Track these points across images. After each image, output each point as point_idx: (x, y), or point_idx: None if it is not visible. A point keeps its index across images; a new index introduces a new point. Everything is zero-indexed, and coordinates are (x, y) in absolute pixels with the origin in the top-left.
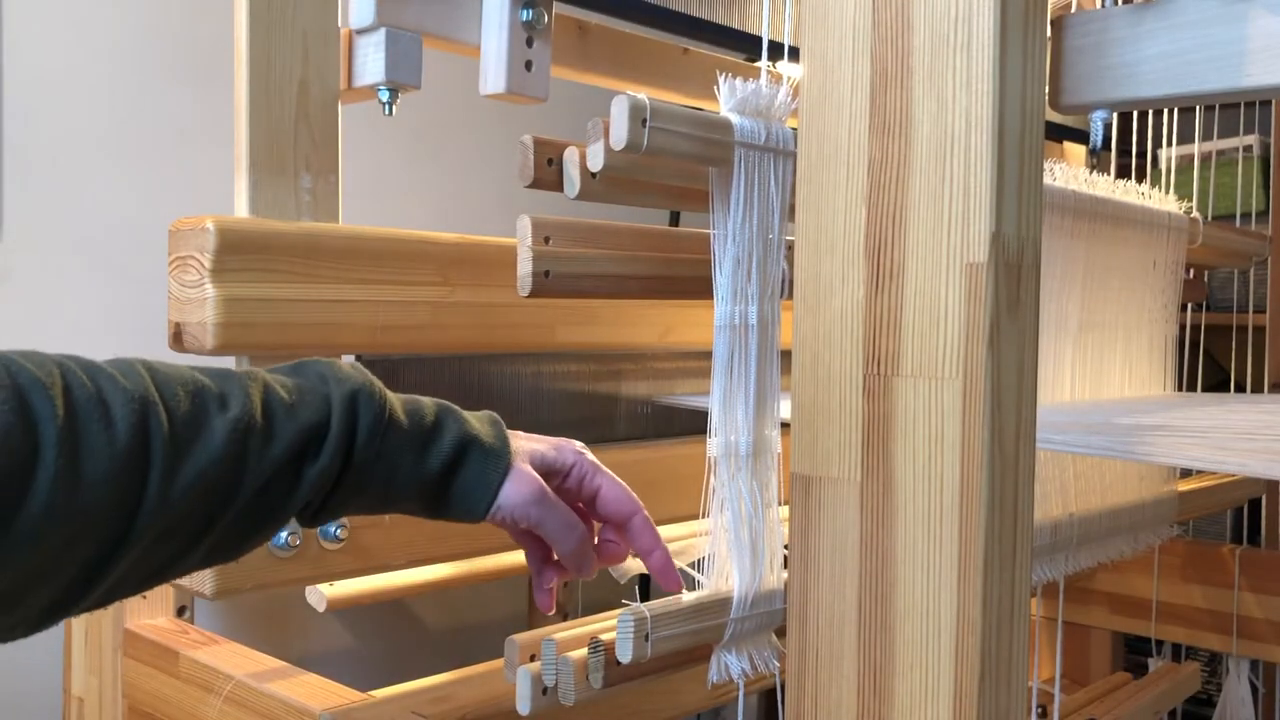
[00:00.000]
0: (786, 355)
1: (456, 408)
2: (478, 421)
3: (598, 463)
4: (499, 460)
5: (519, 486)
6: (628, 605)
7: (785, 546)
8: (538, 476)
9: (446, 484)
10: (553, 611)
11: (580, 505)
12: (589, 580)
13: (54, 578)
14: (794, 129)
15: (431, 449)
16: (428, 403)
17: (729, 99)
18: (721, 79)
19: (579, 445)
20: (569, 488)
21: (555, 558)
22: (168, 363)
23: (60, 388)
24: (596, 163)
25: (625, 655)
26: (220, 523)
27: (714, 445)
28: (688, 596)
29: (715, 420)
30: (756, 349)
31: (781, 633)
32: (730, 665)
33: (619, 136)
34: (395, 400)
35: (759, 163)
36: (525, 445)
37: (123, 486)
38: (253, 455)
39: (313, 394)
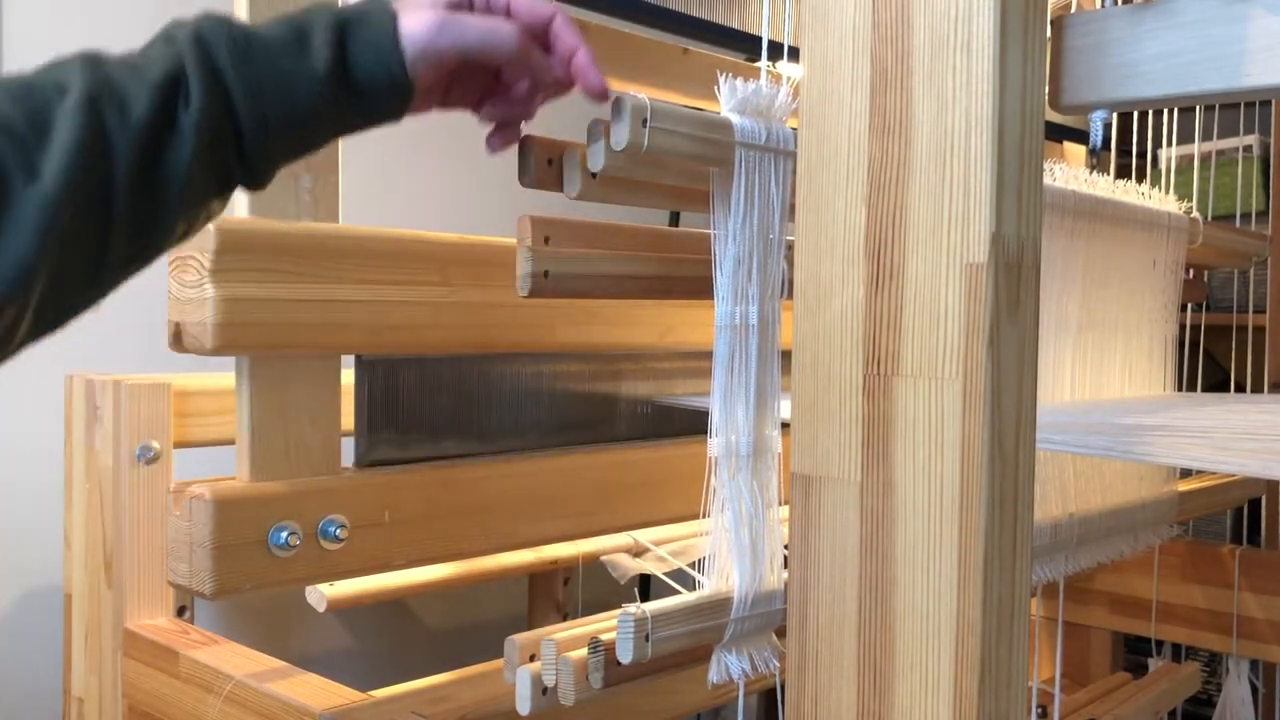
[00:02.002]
0: (786, 355)
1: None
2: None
3: None
4: (382, 15)
5: (417, 23)
6: (627, 606)
7: (785, 546)
8: (427, 3)
9: (345, 71)
10: (500, 149)
11: None
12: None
13: None
14: (794, 129)
15: (309, 46)
16: (290, 13)
17: (729, 99)
18: (722, 79)
19: None
20: (477, 9)
21: (497, 87)
22: None
23: None
24: (597, 163)
25: (626, 656)
26: (117, 204)
27: (714, 445)
28: (688, 597)
29: (715, 420)
30: (757, 349)
31: (781, 633)
32: (730, 665)
33: (619, 137)
34: (250, 25)
35: (759, 163)
36: None
37: None
38: (113, 128)
39: (156, 50)
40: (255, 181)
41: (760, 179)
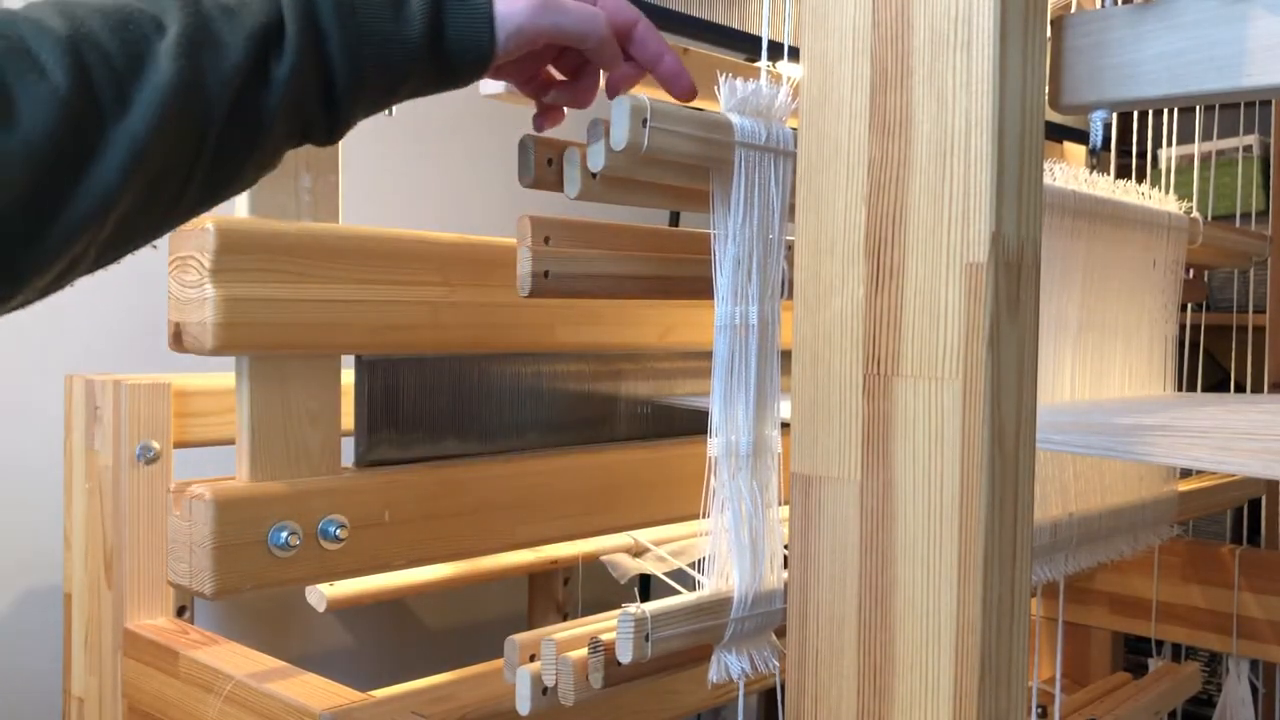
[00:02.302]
0: (786, 355)
1: None
2: None
3: None
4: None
5: (514, 2)
6: (627, 606)
7: (785, 546)
8: None
9: (440, 36)
10: (546, 129)
11: None
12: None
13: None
14: (794, 129)
15: (406, 10)
16: None
17: (729, 99)
18: (721, 79)
19: None
20: None
21: (556, 80)
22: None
23: None
24: (597, 162)
25: (625, 656)
26: (205, 151)
27: (714, 445)
28: (688, 597)
29: (715, 420)
30: (757, 349)
31: (781, 633)
32: (730, 665)
33: (619, 137)
34: None
35: (759, 163)
36: None
37: (75, 134)
38: (209, 74)
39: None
40: (330, 138)
41: (760, 179)
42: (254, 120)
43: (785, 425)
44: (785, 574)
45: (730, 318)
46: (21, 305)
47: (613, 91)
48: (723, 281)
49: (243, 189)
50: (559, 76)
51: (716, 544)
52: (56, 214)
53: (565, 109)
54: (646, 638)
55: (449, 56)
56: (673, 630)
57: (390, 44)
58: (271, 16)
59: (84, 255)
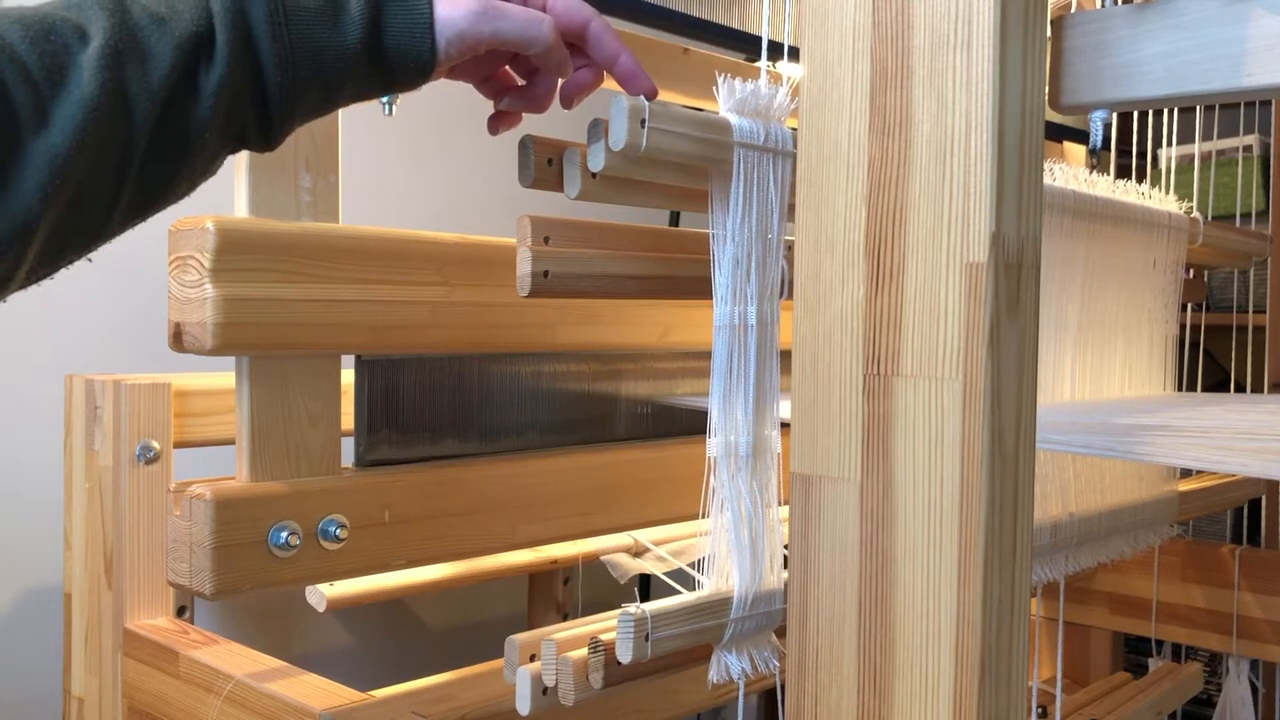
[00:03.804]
0: (786, 355)
1: None
2: None
3: None
4: (421, 4)
5: (457, 6)
6: (627, 606)
7: (785, 546)
8: None
9: (378, 44)
10: (500, 132)
11: None
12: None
13: None
14: (793, 129)
15: (344, 16)
16: None
17: (727, 99)
18: (720, 79)
19: None
20: None
21: (515, 83)
22: (10, 6)
23: None
24: (597, 163)
25: (625, 656)
26: (131, 165)
27: (714, 445)
28: (688, 596)
29: (715, 420)
30: (756, 349)
31: (781, 633)
32: (730, 665)
33: (618, 137)
34: None
35: (758, 163)
36: None
37: None
38: (134, 86)
39: (185, 4)
40: (267, 145)
41: (759, 179)
42: (183, 132)
43: (785, 425)
44: (785, 574)
45: (729, 318)
46: None
47: (566, 100)
48: (721, 281)
49: (178, 198)
50: (517, 80)
51: (716, 544)
52: None
53: (523, 114)
54: (646, 638)
55: (388, 63)
56: (673, 630)
57: (325, 53)
58: (201, 25)
59: (12, 273)
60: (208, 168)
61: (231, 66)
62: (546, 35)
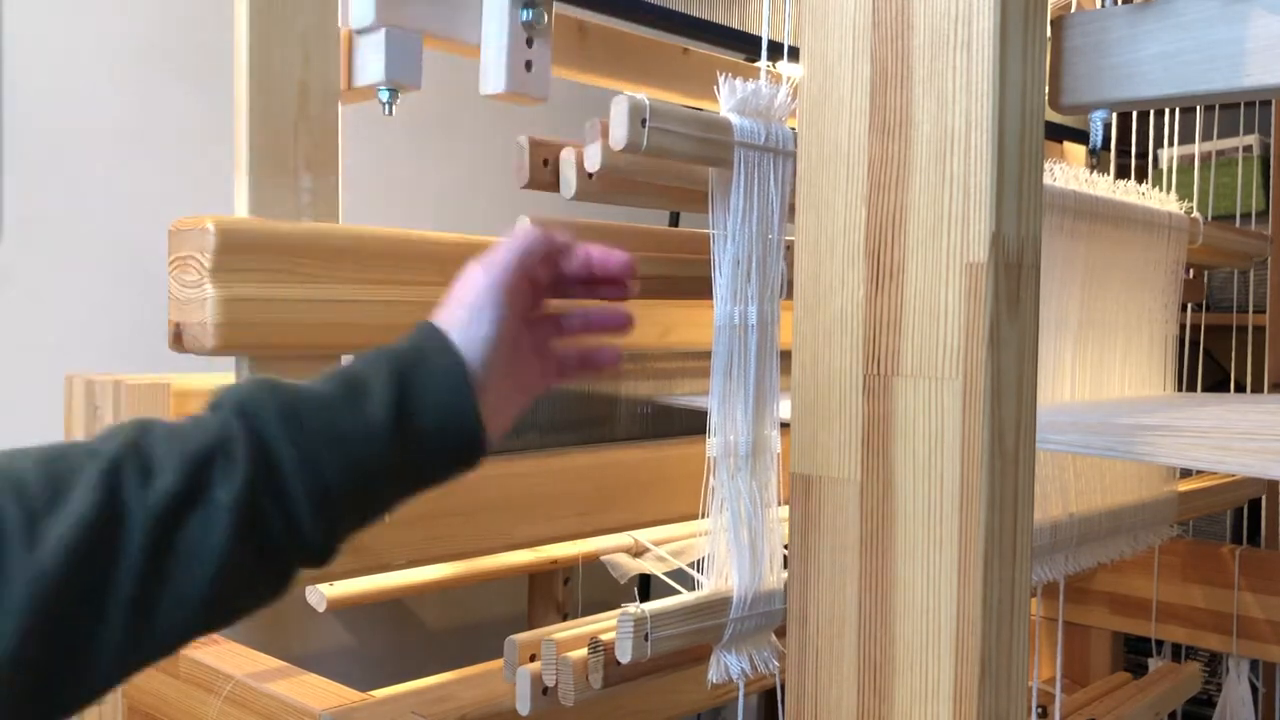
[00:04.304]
0: (786, 355)
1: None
2: (404, 340)
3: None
4: (442, 356)
5: (466, 329)
6: (627, 606)
7: (785, 546)
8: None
9: (409, 409)
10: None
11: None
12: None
13: None
14: (793, 129)
15: (365, 399)
16: (347, 365)
17: (729, 99)
18: (721, 79)
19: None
20: (540, 276)
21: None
22: (52, 444)
23: None
24: (594, 163)
25: (625, 655)
26: (122, 585)
27: (713, 445)
28: (687, 596)
29: (715, 420)
30: (756, 349)
31: (781, 633)
32: (730, 665)
33: (619, 136)
34: (295, 384)
35: (758, 163)
36: (454, 315)
37: None
38: (130, 498)
39: (204, 418)
40: (318, 558)
41: (759, 179)
42: (193, 551)
43: (785, 425)
44: (785, 574)
45: (729, 318)
46: None
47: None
48: (721, 282)
49: (197, 632)
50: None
51: (716, 544)
52: None
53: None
54: (646, 637)
55: (426, 436)
56: (672, 630)
57: (352, 442)
58: (215, 438)
59: None
60: (244, 598)
61: (249, 476)
62: (531, 240)
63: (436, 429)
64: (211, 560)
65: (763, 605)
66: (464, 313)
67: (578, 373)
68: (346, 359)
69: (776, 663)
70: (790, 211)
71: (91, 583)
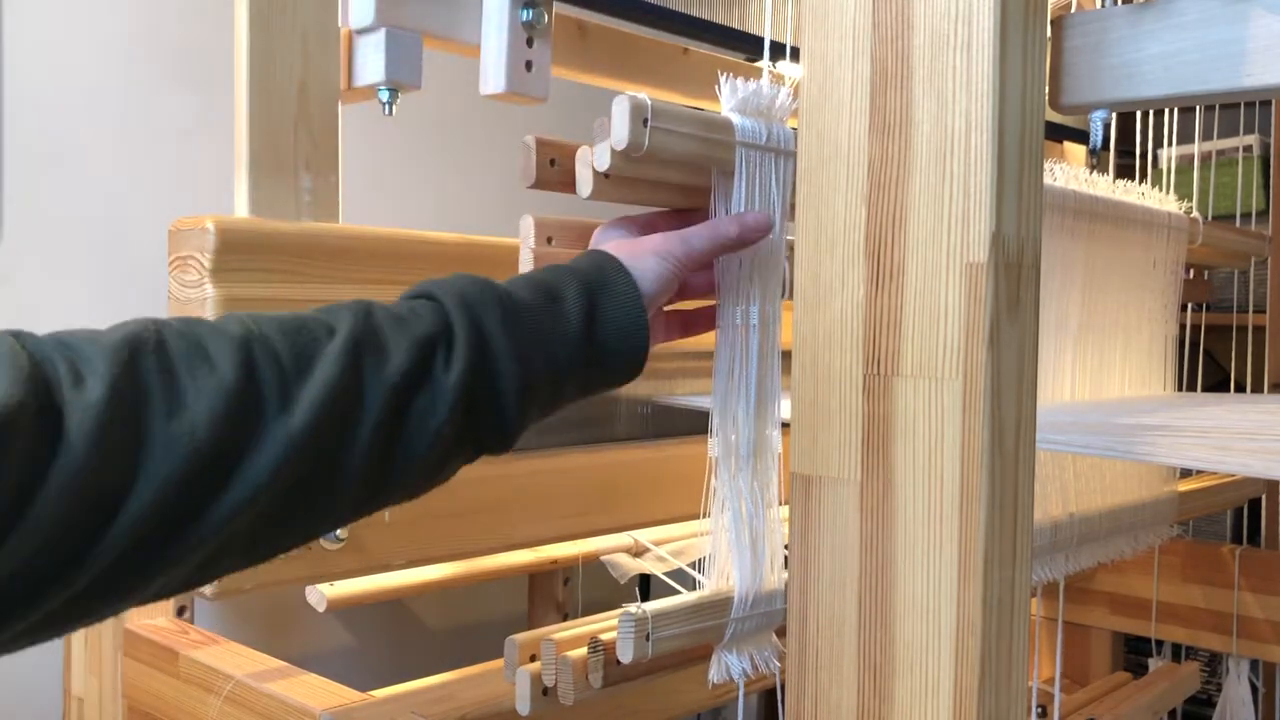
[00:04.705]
0: (786, 355)
1: (552, 265)
2: (583, 261)
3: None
4: (625, 285)
5: (650, 281)
6: (627, 606)
7: (785, 546)
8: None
9: (593, 336)
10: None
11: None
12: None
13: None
14: (794, 129)
15: (563, 308)
16: (526, 274)
17: (730, 99)
18: (723, 79)
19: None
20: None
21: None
22: (281, 313)
23: (155, 343)
24: (602, 162)
25: (627, 655)
26: (355, 449)
27: (714, 445)
28: (688, 596)
29: (715, 420)
30: (758, 349)
31: (782, 632)
32: (731, 665)
33: (620, 136)
34: (501, 285)
35: (760, 163)
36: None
37: (236, 423)
38: (369, 375)
39: (421, 306)
40: (504, 444)
41: (760, 179)
42: (417, 427)
43: (785, 425)
44: (786, 574)
45: (730, 317)
46: (161, 595)
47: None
48: (725, 281)
49: (408, 495)
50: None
51: (717, 544)
52: (208, 503)
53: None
54: (648, 637)
55: (606, 351)
56: (674, 630)
57: (553, 344)
58: (439, 327)
59: (226, 549)
60: (444, 470)
61: (470, 364)
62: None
63: (616, 342)
64: (430, 433)
65: (764, 605)
66: (651, 258)
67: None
68: None
69: (777, 663)
70: (791, 211)
71: (335, 443)
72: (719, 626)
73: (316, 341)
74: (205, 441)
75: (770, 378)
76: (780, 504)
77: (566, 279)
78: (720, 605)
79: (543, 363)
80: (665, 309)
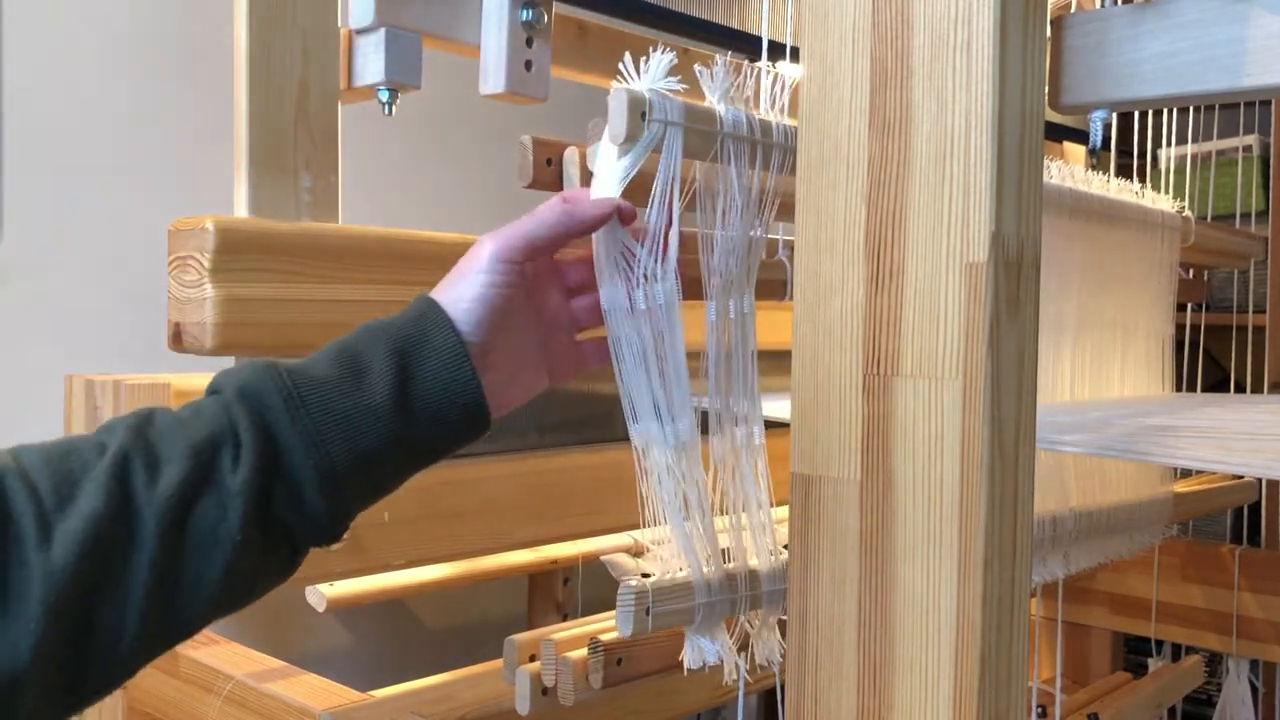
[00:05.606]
0: (786, 355)
1: (368, 324)
2: (400, 314)
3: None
4: (441, 331)
5: (465, 306)
6: (627, 579)
7: (784, 546)
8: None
9: (409, 389)
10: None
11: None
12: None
13: None
14: (776, 121)
15: (366, 377)
16: (332, 341)
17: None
18: (699, 70)
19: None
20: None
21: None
22: (56, 439)
23: None
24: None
25: (627, 628)
26: (137, 578)
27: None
28: (681, 574)
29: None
30: (651, 331)
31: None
32: (706, 649)
33: (618, 130)
34: (296, 363)
35: (742, 153)
36: (456, 292)
37: None
38: (139, 492)
39: (205, 406)
40: (328, 536)
41: (740, 170)
42: (207, 537)
43: (785, 425)
44: (748, 559)
45: (615, 300)
46: None
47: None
48: (711, 277)
49: (220, 612)
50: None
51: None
52: None
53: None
54: (647, 611)
55: (428, 401)
56: (675, 605)
57: (357, 421)
58: (219, 424)
59: (37, 711)
60: (258, 578)
61: (256, 459)
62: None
63: (438, 404)
64: (225, 545)
65: (724, 592)
66: (457, 276)
67: (599, 362)
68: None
69: (779, 658)
70: (778, 207)
71: (107, 576)
72: (722, 603)
73: (85, 465)
74: None
75: (745, 373)
76: (773, 505)
77: (374, 344)
78: (723, 582)
79: (343, 446)
80: (577, 334)
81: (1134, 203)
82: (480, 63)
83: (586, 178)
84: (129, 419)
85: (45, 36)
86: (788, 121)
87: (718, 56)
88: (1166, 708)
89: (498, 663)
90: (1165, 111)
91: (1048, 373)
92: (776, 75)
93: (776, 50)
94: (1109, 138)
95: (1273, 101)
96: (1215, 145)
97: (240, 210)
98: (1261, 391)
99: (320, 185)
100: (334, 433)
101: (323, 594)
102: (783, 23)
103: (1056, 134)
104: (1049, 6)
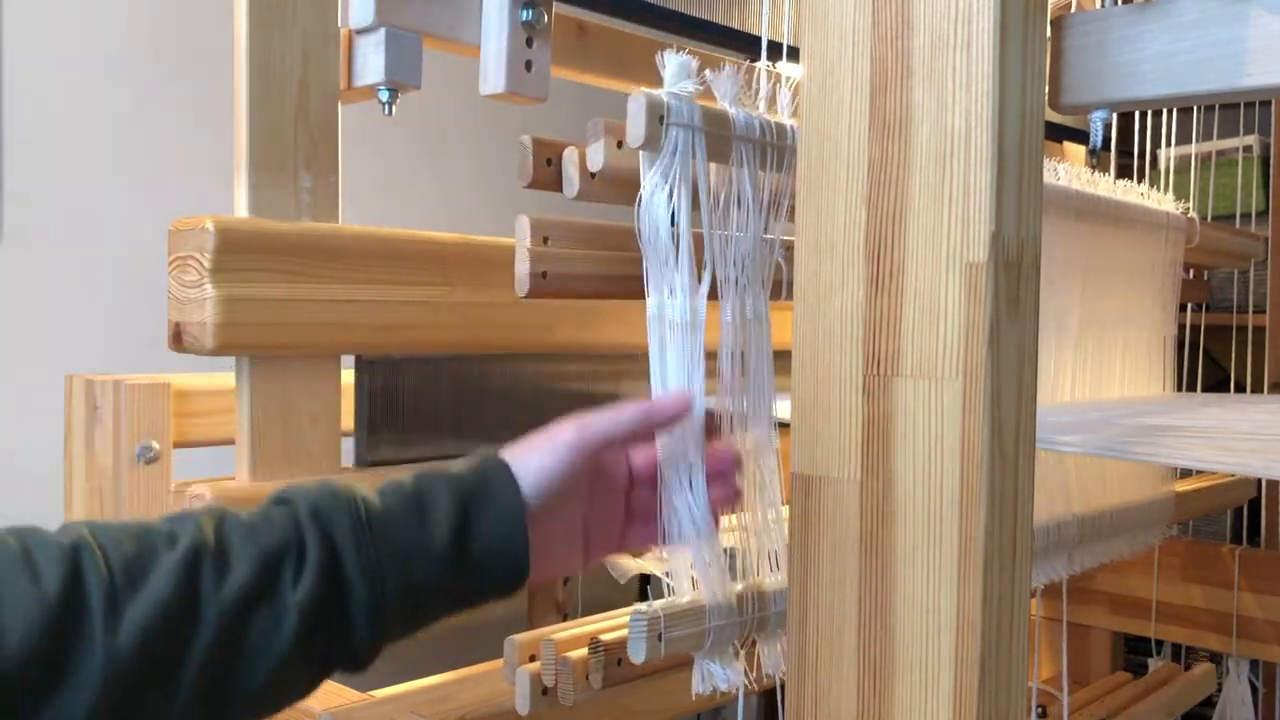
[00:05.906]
0: (786, 355)
1: (432, 467)
2: (462, 463)
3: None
4: (505, 490)
5: (542, 480)
6: (637, 605)
7: (782, 547)
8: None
9: (465, 540)
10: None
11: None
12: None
13: None
14: (777, 122)
15: (429, 519)
16: (402, 478)
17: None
18: (709, 73)
19: (570, 435)
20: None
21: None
22: (127, 520)
23: None
24: (596, 162)
25: (639, 656)
26: (189, 668)
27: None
28: (688, 597)
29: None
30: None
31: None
32: (716, 675)
33: (636, 134)
34: (365, 493)
35: (752, 155)
36: (529, 461)
37: (55, 637)
38: (206, 590)
39: (275, 514)
40: (355, 667)
41: (751, 170)
42: (258, 647)
43: (785, 425)
44: (749, 577)
45: (659, 309)
46: None
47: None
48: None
49: (252, 717)
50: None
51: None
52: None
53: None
54: (660, 637)
55: (478, 566)
56: (687, 630)
57: (415, 560)
58: (288, 537)
59: None
60: (289, 694)
61: (318, 581)
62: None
63: (488, 561)
64: (271, 656)
65: (725, 616)
66: (531, 448)
67: (632, 547)
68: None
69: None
70: (787, 212)
71: (164, 664)
72: (733, 625)
73: (154, 551)
74: (17, 655)
75: (760, 374)
76: (776, 504)
77: (441, 488)
78: (735, 605)
79: (398, 582)
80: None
81: (1139, 204)
82: (480, 63)
83: (587, 178)
84: (201, 514)
85: (45, 36)
86: (793, 123)
87: (725, 60)
88: (1177, 716)
89: (498, 663)
90: (1165, 111)
91: (1048, 373)
92: (783, 78)
93: (776, 50)
94: (1109, 138)
95: (1273, 101)
96: (1215, 145)
97: (240, 210)
98: (1261, 391)
99: (320, 185)
100: (392, 567)
101: None
102: (782, 23)
103: (1056, 134)
104: (1049, 6)
